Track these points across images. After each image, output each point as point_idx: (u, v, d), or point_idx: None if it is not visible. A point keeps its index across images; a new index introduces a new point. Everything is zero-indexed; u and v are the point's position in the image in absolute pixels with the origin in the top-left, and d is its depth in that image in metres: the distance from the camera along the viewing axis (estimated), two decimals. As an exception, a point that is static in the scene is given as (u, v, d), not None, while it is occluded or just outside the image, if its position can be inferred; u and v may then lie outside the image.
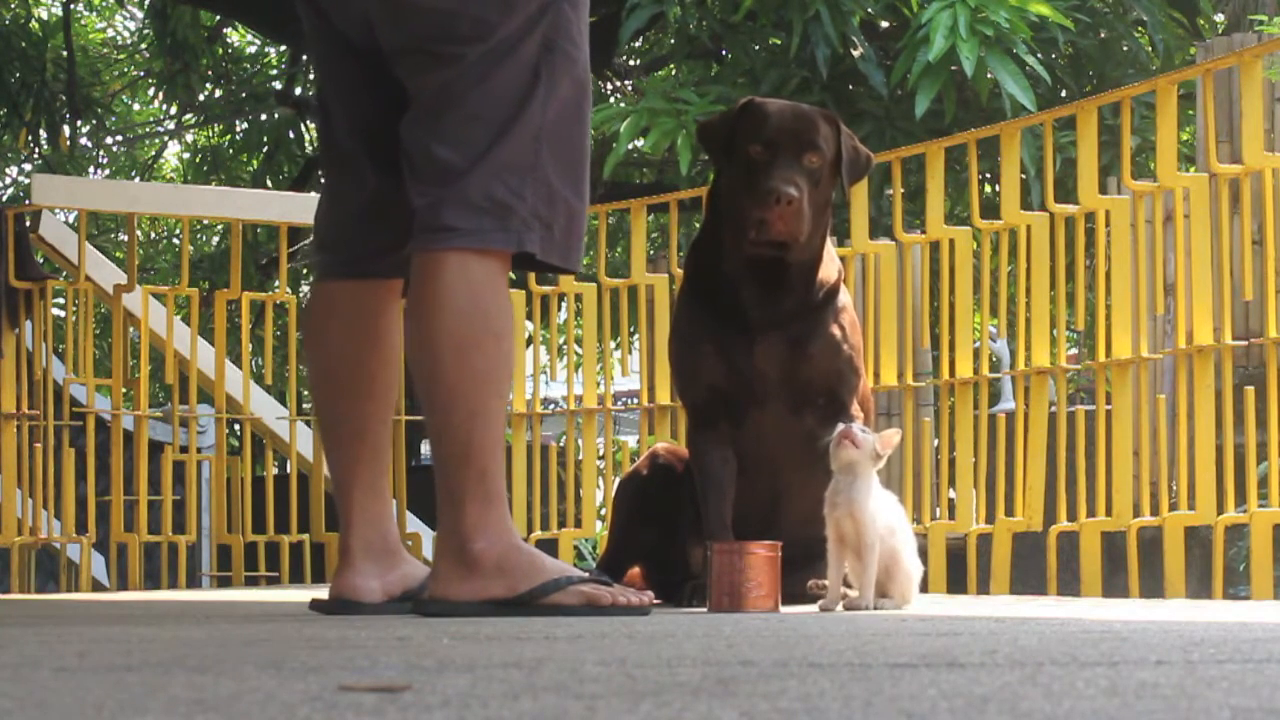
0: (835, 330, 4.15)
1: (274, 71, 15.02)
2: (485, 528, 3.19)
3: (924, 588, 5.66)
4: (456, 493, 3.20)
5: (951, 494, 6.00)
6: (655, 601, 3.30)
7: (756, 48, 10.12)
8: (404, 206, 3.39)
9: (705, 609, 3.68)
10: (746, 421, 4.15)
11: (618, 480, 4.88)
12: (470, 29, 3.26)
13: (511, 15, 3.26)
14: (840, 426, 3.72)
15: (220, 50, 14.31)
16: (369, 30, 3.37)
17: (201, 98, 14.81)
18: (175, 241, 16.65)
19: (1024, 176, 8.04)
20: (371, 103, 3.43)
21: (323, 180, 3.63)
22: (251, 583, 7.32)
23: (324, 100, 3.56)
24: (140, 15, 15.62)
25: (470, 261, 3.23)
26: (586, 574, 3.25)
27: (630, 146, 9.55)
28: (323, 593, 3.61)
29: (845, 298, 4.24)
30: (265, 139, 14.54)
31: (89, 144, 16.16)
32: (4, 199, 16.18)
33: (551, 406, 7.87)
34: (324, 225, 3.55)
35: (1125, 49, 10.38)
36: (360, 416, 3.48)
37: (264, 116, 14.59)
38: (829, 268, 4.19)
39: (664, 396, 6.40)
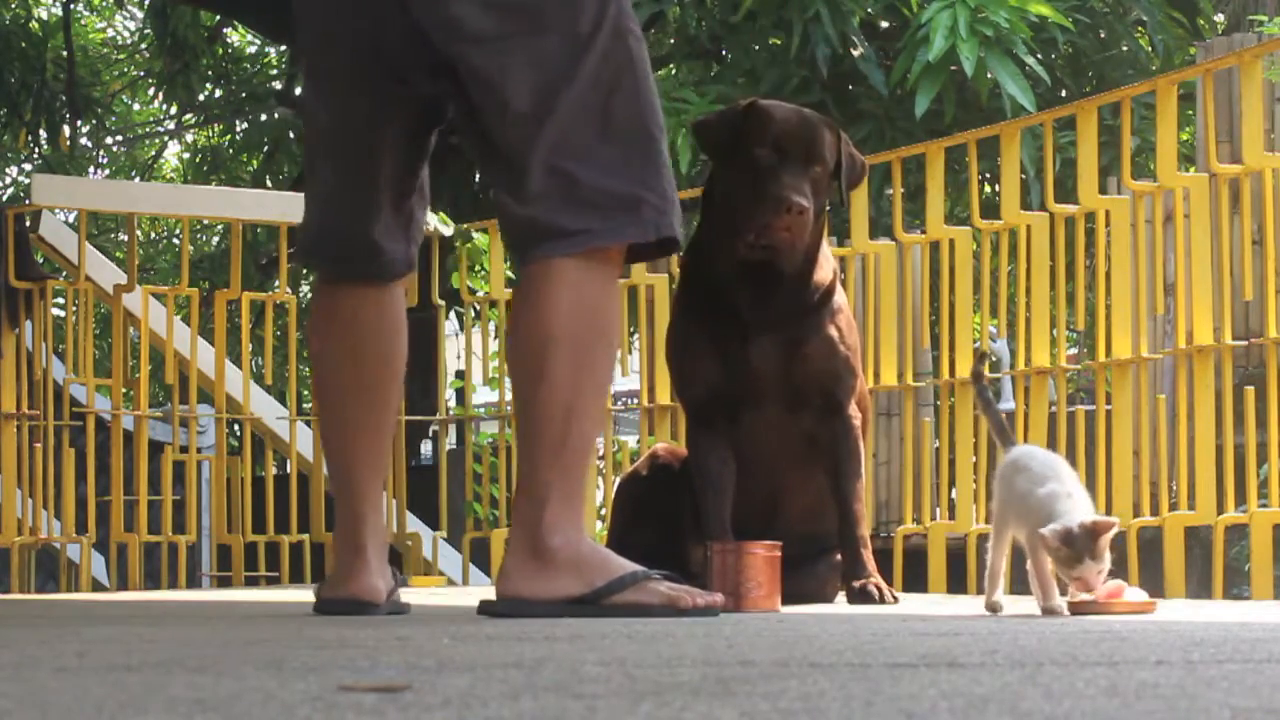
0: (831, 331, 4.16)
1: (274, 71, 15.00)
2: (563, 525, 3.11)
3: (924, 588, 5.67)
4: (541, 488, 3.12)
5: (951, 494, 6.00)
6: (723, 603, 3.24)
7: (756, 48, 10.12)
8: (402, 208, 3.37)
9: (705, 609, 3.67)
10: (744, 421, 4.15)
11: (618, 480, 4.88)
12: (554, 19, 3.14)
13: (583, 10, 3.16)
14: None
15: (220, 50, 14.28)
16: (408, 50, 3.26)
17: (201, 98, 14.80)
18: (175, 241, 16.65)
19: (1024, 176, 8.04)
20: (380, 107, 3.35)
21: (311, 180, 3.50)
22: (251, 583, 7.32)
23: (319, 107, 3.48)
24: (140, 15, 15.61)
25: (588, 261, 3.13)
26: (655, 572, 3.18)
27: (630, 146, 9.54)
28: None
29: (841, 299, 4.24)
30: (265, 139, 14.53)
31: (89, 144, 16.15)
32: (4, 199, 16.18)
33: (551, 406, 7.86)
34: (319, 228, 3.46)
35: (1125, 49, 10.38)
36: (369, 421, 3.43)
37: (264, 116, 14.58)
38: (824, 269, 4.19)
39: (664, 396, 6.40)
